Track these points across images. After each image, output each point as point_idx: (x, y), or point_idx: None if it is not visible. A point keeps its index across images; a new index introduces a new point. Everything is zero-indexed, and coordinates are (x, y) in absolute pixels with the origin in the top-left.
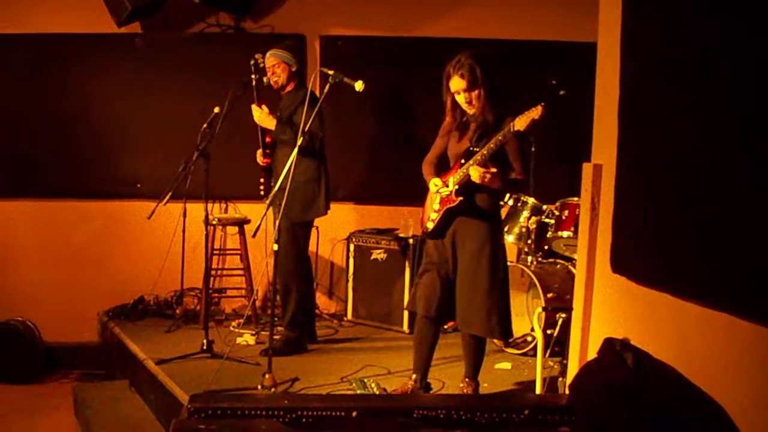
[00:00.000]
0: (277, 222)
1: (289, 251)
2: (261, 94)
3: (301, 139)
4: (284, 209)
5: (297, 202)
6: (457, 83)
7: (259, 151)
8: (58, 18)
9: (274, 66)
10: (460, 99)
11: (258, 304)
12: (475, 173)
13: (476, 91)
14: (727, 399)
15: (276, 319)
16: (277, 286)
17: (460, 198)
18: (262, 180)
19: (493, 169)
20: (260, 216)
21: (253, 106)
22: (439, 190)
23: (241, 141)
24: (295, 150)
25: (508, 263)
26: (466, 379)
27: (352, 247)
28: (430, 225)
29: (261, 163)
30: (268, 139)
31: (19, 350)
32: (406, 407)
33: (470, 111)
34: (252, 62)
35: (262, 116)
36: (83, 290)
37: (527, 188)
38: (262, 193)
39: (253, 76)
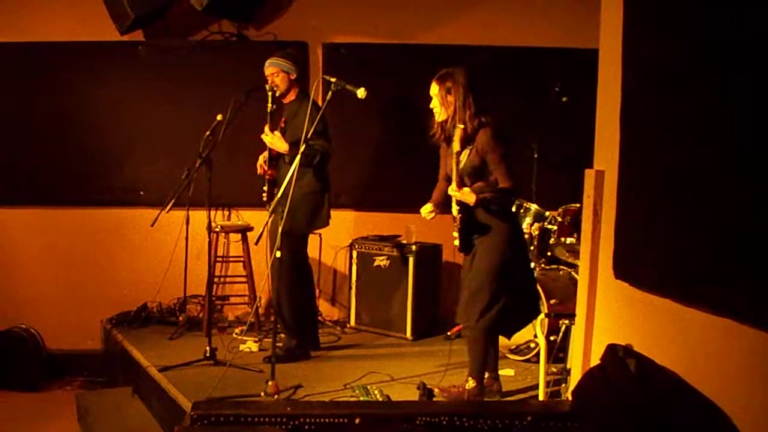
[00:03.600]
0: (279, 229)
1: (290, 260)
2: (275, 119)
3: (303, 148)
4: (289, 220)
5: (302, 214)
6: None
7: (261, 158)
8: (60, 26)
9: (273, 75)
10: (432, 104)
11: (261, 311)
12: (453, 193)
13: (443, 99)
14: (730, 404)
15: (279, 326)
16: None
17: (460, 215)
18: (265, 188)
19: (465, 188)
20: (263, 223)
21: (266, 129)
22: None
23: (244, 148)
24: (296, 161)
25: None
26: (468, 378)
27: (354, 254)
28: (456, 243)
29: (267, 176)
30: (273, 152)
31: (23, 358)
32: (410, 414)
33: (437, 118)
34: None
35: (274, 141)
36: (86, 298)
37: (519, 192)
38: (264, 198)
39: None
